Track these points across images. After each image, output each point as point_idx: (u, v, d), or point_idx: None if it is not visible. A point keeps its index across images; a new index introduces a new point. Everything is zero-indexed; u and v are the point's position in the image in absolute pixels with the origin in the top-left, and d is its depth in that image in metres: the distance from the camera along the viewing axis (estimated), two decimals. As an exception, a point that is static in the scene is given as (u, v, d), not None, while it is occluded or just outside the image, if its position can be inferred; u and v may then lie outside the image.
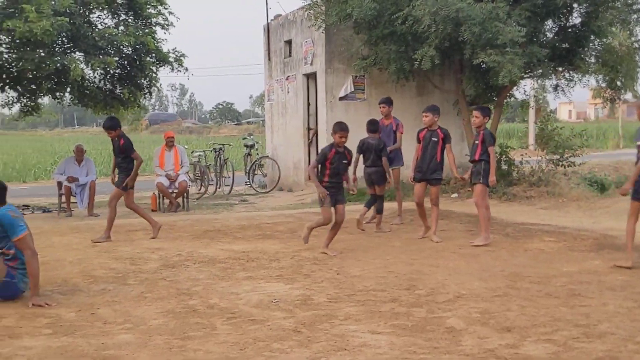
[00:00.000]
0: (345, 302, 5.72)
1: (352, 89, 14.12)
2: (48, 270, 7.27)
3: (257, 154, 17.70)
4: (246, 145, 18.00)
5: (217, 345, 4.65)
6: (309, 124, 15.45)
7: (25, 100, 14.01)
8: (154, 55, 13.39)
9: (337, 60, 14.05)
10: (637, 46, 13.04)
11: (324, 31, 13.73)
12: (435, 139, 8.82)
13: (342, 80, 14.15)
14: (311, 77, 15.16)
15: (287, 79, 16.22)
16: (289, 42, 16.17)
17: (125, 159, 9.31)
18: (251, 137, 19.08)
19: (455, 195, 13.36)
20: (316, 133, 15.07)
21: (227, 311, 5.49)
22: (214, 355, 4.46)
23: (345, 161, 8.08)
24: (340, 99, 14.17)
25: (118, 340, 4.81)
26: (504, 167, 13.61)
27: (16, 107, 14.34)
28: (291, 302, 5.75)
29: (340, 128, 7.99)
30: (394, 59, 12.29)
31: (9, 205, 6.06)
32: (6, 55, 12.31)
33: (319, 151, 8.20)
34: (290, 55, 16.11)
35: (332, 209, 7.96)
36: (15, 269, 5.96)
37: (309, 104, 15.40)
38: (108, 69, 12.74)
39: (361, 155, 9.66)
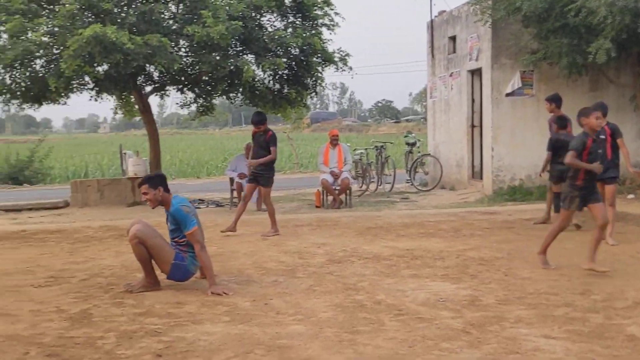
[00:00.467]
0: (515, 304, 5.58)
1: (520, 85, 13.66)
2: (224, 260, 7.73)
3: (419, 152, 17.63)
4: (408, 143, 18.00)
5: (386, 341, 4.71)
6: (472, 121, 15.16)
7: (201, 101, 14.91)
8: (319, 55, 13.73)
9: (504, 55, 13.66)
10: None
11: (490, 26, 13.40)
12: (603, 136, 8.36)
13: (508, 76, 13.74)
14: (476, 73, 14.86)
15: (450, 75, 16.02)
16: (453, 38, 15.95)
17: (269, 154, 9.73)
18: (412, 135, 19.05)
19: (631, 196, 12.55)
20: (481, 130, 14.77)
21: (394, 308, 5.54)
22: (384, 350, 4.52)
23: (600, 150, 6.98)
24: (507, 95, 13.77)
25: (290, 331, 5.01)
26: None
27: (193, 108, 15.31)
28: (458, 302, 5.70)
29: (594, 108, 6.95)
30: (566, 53, 11.74)
31: (183, 199, 6.47)
32: (185, 59, 13.14)
33: (574, 140, 6.88)
34: (454, 52, 15.89)
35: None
36: (186, 252, 6.40)
37: (473, 100, 15.11)
38: (277, 69, 13.24)
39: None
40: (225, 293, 6.09)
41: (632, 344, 4.52)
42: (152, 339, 4.88)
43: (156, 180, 6.42)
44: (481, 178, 14.61)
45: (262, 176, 9.89)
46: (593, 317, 5.15)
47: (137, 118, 17.67)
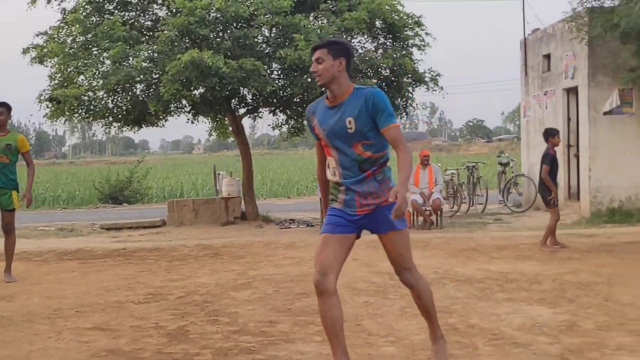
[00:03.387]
0: (616, 330, 5.36)
1: (618, 103, 13.18)
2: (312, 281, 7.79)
3: (512, 172, 17.27)
4: (500, 163, 17.66)
5: (480, 365, 4.63)
6: (568, 141, 14.72)
7: (292, 122, 15.17)
8: (410, 76, 13.73)
9: (601, 73, 13.23)
10: None
11: (587, 43, 13.03)
12: None
13: (606, 94, 13.29)
14: (571, 91, 14.46)
15: (545, 94, 15.65)
16: (547, 57, 15.59)
17: None
18: (505, 154, 18.70)
19: None
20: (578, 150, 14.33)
21: (489, 332, 5.43)
22: (478, 375, 4.44)
23: None
24: (605, 113, 13.32)
25: (383, 353, 4.99)
26: None
27: (284, 129, 15.57)
28: (555, 327, 5.53)
29: None
30: (668, 70, 11.30)
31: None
32: (278, 82, 13.41)
33: None
34: (548, 70, 15.52)
35: None
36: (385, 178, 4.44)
37: (568, 119, 14.69)
38: (368, 90, 13.31)
39: None
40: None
41: None
42: (246, 356, 4.97)
43: (341, 48, 4.23)
44: (578, 199, 14.15)
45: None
46: (702, 347, 4.88)
47: (230, 139, 18.12)
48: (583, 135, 13.72)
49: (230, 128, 15.62)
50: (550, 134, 10.09)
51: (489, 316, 5.96)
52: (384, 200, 4.23)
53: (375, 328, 5.67)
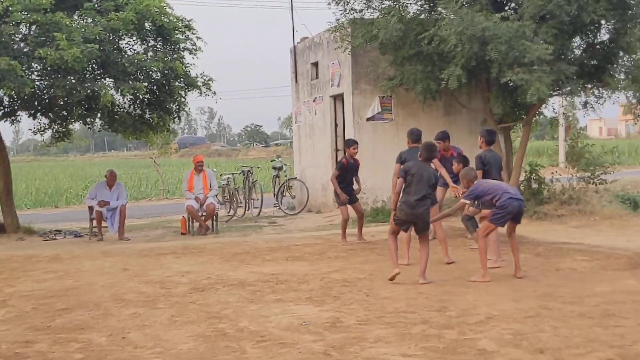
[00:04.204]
0: (375, 324, 5.68)
1: (379, 110, 14.12)
2: (80, 294, 7.37)
3: (286, 176, 17.75)
4: (274, 168, 18.09)
5: (247, 369, 4.64)
6: (336, 145, 15.47)
7: (56, 127, 14.21)
8: (182, 80, 13.50)
9: (364, 81, 14.08)
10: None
11: (350, 53, 13.79)
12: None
13: (369, 101, 14.17)
14: (338, 98, 15.20)
15: (314, 100, 16.30)
16: (315, 64, 16.26)
17: None
18: (279, 159, 19.20)
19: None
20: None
21: (257, 334, 5.49)
22: (244, 379, 4.44)
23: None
24: (368, 119, 14.19)
25: (149, 365, 4.82)
26: (534, 185, 13.46)
27: (48, 134, 14.55)
28: (321, 324, 5.73)
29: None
30: (421, 79, 12.27)
31: None
32: (38, 83, 12.52)
33: None
34: (317, 77, 16.19)
35: None
36: None
37: (336, 125, 15.43)
38: (137, 94, 12.86)
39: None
40: None
41: (483, 358, 4.71)
42: (-5, 383, 4.54)
43: None
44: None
45: None
46: (448, 333, 5.33)
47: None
48: (349, 140, 14.46)
49: (-15, 133, 14.25)
50: (346, 145, 11.43)
51: (259, 318, 6.03)
52: None
53: (142, 340, 5.47)
